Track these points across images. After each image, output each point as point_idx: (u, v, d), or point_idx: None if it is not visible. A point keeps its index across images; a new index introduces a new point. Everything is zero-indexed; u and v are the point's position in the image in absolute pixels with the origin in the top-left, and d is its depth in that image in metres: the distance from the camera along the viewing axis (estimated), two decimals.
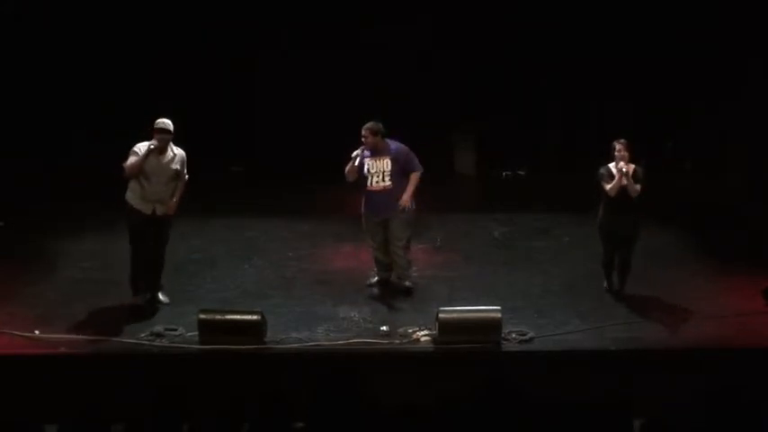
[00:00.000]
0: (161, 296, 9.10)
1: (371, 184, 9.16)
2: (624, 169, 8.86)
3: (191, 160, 9.02)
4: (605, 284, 9.42)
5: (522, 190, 13.26)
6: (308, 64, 13.40)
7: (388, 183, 9.13)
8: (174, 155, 8.83)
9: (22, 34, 12.50)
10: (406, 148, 9.26)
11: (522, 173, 13.97)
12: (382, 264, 9.49)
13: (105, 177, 11.53)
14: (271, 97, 13.37)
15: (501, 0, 13.11)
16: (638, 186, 8.91)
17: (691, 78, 12.85)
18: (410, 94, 13.12)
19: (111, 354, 8.18)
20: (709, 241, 10.82)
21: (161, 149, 8.70)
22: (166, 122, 8.71)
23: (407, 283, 9.41)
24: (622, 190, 8.92)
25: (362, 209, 9.37)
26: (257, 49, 13.33)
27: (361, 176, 9.18)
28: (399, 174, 9.17)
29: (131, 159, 8.67)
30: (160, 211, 8.83)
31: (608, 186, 8.94)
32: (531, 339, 8.35)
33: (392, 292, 9.33)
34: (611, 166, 9.00)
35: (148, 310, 8.89)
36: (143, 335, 8.35)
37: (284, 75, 13.38)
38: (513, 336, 8.34)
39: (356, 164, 9.08)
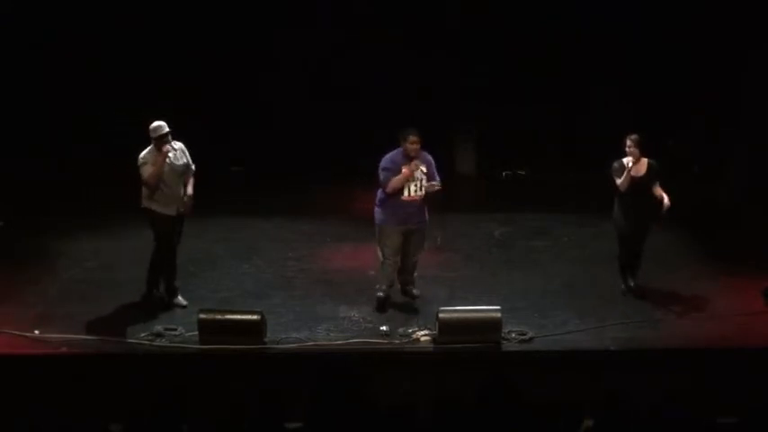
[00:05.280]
0: (180, 299, 9.06)
1: (409, 193, 8.71)
2: (630, 164, 8.85)
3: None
4: (622, 287, 9.32)
5: (522, 190, 13.26)
6: (309, 64, 13.39)
7: (422, 192, 8.76)
8: (176, 149, 8.81)
9: (20, 34, 12.48)
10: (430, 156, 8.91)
11: (522, 173, 13.96)
12: (390, 279, 9.07)
13: (105, 176, 11.65)
14: (271, 97, 13.35)
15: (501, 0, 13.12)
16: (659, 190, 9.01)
17: (690, 78, 12.83)
18: (410, 95, 13.10)
19: (111, 354, 8.20)
20: (711, 242, 10.82)
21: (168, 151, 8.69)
22: (162, 126, 8.63)
23: (416, 291, 9.25)
24: (633, 184, 8.90)
25: (385, 218, 8.85)
26: (259, 48, 13.31)
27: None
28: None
29: (148, 171, 8.61)
30: (181, 208, 8.86)
31: (618, 181, 8.93)
32: (531, 339, 8.37)
33: (393, 293, 9.31)
34: (625, 160, 8.95)
35: (158, 308, 8.90)
36: (143, 335, 8.37)
37: (284, 75, 13.36)
38: (513, 336, 8.36)
39: (413, 174, 8.64)
